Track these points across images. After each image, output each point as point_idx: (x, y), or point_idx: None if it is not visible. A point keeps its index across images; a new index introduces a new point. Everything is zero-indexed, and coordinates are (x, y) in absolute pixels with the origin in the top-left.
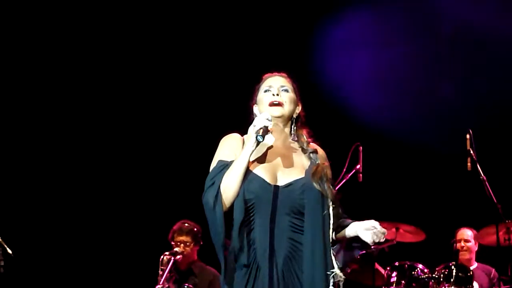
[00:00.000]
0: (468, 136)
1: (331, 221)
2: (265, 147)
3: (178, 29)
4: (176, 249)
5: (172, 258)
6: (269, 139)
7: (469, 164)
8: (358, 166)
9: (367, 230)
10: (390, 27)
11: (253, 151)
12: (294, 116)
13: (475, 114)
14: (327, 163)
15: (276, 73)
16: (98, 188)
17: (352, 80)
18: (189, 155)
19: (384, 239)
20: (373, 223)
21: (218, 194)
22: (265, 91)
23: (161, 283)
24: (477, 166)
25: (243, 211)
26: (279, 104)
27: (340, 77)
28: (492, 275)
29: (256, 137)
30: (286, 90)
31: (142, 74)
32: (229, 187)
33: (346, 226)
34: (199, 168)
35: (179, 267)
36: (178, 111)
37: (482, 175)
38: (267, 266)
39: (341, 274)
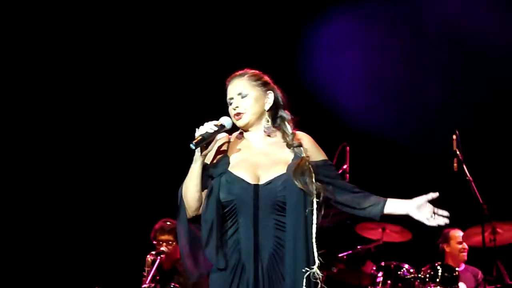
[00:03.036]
0: (454, 136)
1: (314, 217)
2: (246, 146)
3: (166, 28)
4: (163, 248)
5: (158, 258)
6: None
7: (455, 164)
8: (345, 166)
9: (419, 208)
10: (377, 27)
11: (202, 160)
12: (266, 108)
13: (462, 114)
14: (313, 149)
15: (235, 75)
16: (81, 189)
17: (339, 80)
18: (172, 153)
19: (444, 222)
20: (428, 207)
21: (181, 201)
22: (229, 101)
23: (147, 283)
24: (463, 167)
25: (215, 212)
26: (240, 114)
27: (326, 77)
28: (479, 277)
29: (189, 144)
30: (244, 96)
31: (125, 72)
32: (186, 196)
33: (379, 203)
34: (181, 167)
35: (163, 266)
36: (163, 110)
37: (468, 175)
38: (252, 266)
39: (319, 271)
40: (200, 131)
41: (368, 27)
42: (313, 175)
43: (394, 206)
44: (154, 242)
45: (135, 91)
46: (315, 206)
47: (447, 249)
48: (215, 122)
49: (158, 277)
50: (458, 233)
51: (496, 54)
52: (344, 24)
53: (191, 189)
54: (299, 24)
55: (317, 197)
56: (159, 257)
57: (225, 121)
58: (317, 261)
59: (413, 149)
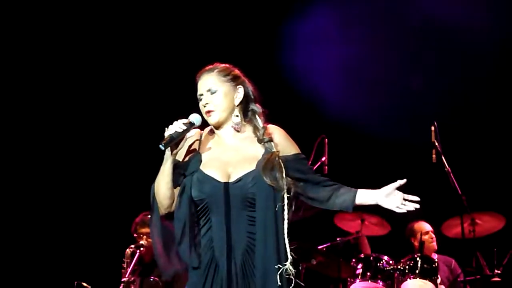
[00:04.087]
0: (433, 128)
1: (285, 213)
2: (218, 143)
3: (143, 22)
4: (142, 242)
5: (138, 251)
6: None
7: (433, 156)
8: (323, 159)
9: (388, 196)
10: (357, 19)
11: (173, 159)
12: (236, 103)
13: (440, 106)
14: (285, 143)
15: (205, 70)
16: (59, 184)
17: (317, 72)
18: (150, 147)
19: (414, 207)
20: (397, 194)
21: (153, 199)
22: (199, 97)
23: (126, 276)
24: (441, 158)
25: (187, 211)
26: (211, 112)
27: (305, 69)
28: (452, 266)
29: (159, 145)
30: (214, 92)
31: (95, 66)
32: (158, 194)
33: (349, 195)
34: (159, 161)
35: (144, 259)
36: (141, 103)
37: (447, 166)
38: (225, 263)
39: (292, 268)
40: (169, 131)
41: (346, 19)
42: (284, 170)
43: (364, 196)
44: (135, 235)
45: (109, 87)
46: (285, 201)
47: (415, 243)
48: (184, 120)
49: (138, 270)
50: (422, 225)
51: (473, 46)
52: (322, 17)
53: (162, 187)
54: (277, 17)
55: (288, 192)
56: (138, 250)
57: (194, 118)
58: (289, 257)
59: (392, 141)
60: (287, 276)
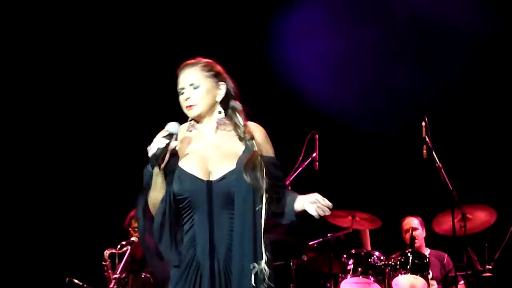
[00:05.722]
0: (423, 123)
1: (263, 212)
2: (198, 138)
3: (128, 15)
4: (133, 238)
5: (129, 247)
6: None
7: (424, 151)
8: (314, 154)
9: (311, 203)
10: (345, 14)
11: (163, 172)
12: (218, 100)
13: (430, 101)
14: (264, 143)
15: (187, 64)
16: (51, 180)
17: (307, 68)
18: (142, 142)
19: (329, 212)
20: (316, 196)
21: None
22: (180, 91)
23: (117, 273)
24: (432, 153)
25: (168, 208)
26: (192, 106)
27: (295, 65)
28: (445, 261)
29: (146, 168)
30: (196, 87)
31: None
32: (154, 205)
33: (294, 200)
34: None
35: (136, 255)
36: (135, 97)
37: (438, 162)
38: (207, 261)
39: (266, 268)
40: (152, 150)
41: (336, 14)
42: (264, 169)
43: (298, 204)
44: (130, 229)
45: (99, 84)
46: (264, 201)
47: (405, 238)
48: (162, 133)
49: (129, 267)
50: (407, 221)
51: (463, 41)
52: (312, 11)
53: (158, 198)
54: (267, 11)
55: (267, 192)
56: (129, 247)
57: (171, 128)
58: (264, 257)
59: (382, 136)
60: (261, 276)
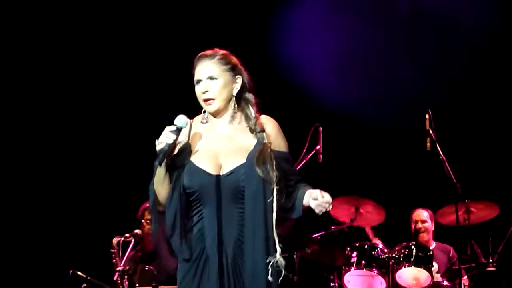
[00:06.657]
0: (427, 116)
1: (274, 206)
2: (210, 130)
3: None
4: (137, 231)
5: (133, 239)
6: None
7: (428, 144)
8: (318, 147)
9: (314, 200)
10: (350, 9)
11: (166, 167)
12: (234, 93)
13: (434, 94)
14: (276, 137)
15: (205, 55)
16: (56, 173)
17: (311, 61)
18: (145, 137)
19: (330, 207)
20: (317, 193)
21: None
22: (196, 82)
23: (121, 264)
24: (436, 146)
25: (178, 202)
26: (210, 100)
27: (300, 58)
28: (451, 254)
29: (156, 165)
30: (215, 79)
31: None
32: (159, 198)
33: (303, 195)
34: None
35: (147, 247)
36: (142, 94)
37: (442, 155)
38: (216, 255)
39: (282, 260)
40: (160, 145)
41: (340, 8)
42: (274, 162)
43: (306, 199)
44: (142, 221)
45: (101, 81)
46: (275, 193)
47: (412, 229)
48: (170, 128)
49: (137, 256)
50: (416, 213)
51: (467, 34)
52: (316, 5)
53: (162, 193)
54: (270, 5)
55: (277, 185)
56: (133, 239)
57: (179, 122)
58: (278, 249)
59: (386, 129)
60: (277, 268)
